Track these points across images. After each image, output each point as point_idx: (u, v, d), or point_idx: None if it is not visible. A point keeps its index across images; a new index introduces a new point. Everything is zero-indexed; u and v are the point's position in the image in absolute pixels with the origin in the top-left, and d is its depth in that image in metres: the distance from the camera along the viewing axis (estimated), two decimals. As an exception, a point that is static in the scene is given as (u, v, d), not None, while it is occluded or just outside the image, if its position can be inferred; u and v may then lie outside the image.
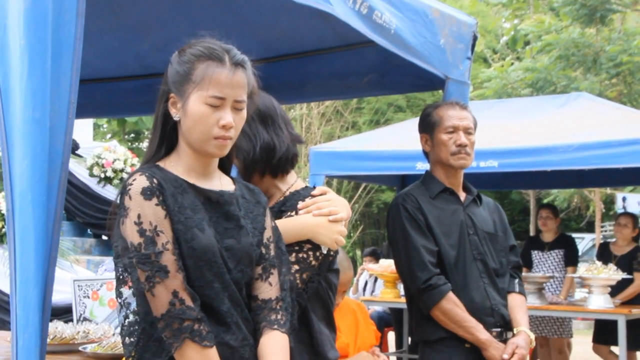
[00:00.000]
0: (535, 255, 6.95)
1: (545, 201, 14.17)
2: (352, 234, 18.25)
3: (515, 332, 2.91)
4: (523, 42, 14.79)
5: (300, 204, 2.11)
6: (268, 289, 1.87)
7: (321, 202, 2.12)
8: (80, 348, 2.98)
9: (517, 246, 3.15)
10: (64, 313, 3.85)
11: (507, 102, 8.63)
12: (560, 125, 6.29)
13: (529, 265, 6.90)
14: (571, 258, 6.85)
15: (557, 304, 6.27)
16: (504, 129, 6.45)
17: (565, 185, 10.09)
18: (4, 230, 4.60)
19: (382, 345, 7.83)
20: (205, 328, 1.70)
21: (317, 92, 3.71)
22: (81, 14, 1.79)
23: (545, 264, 6.89)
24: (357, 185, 17.11)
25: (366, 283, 8.51)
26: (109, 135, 18.70)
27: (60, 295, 3.97)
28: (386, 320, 8.01)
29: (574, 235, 8.28)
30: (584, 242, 15.20)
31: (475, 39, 3.22)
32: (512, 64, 13.84)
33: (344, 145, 7.12)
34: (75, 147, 7.37)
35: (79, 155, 7.45)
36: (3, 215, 4.50)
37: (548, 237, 6.96)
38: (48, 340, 3.04)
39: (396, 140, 6.53)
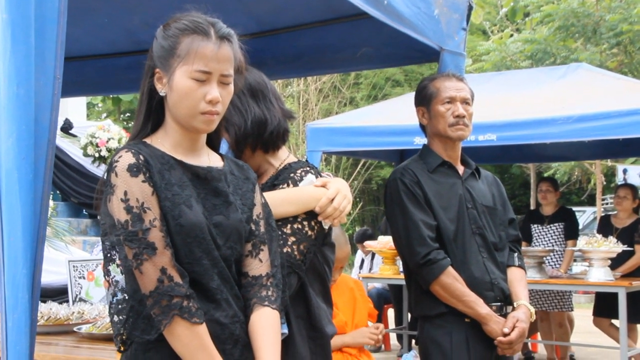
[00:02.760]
0: (535, 229, 6.91)
1: (545, 175, 14.14)
2: (351, 211, 18.24)
3: (515, 306, 2.87)
4: (523, 14, 14.66)
5: (317, 209, 2.04)
6: (258, 266, 1.84)
7: (338, 203, 2.06)
8: (75, 329, 2.95)
9: (516, 220, 3.11)
10: (59, 294, 3.82)
11: (505, 74, 8.57)
12: (559, 97, 6.24)
13: (528, 239, 6.87)
14: (571, 231, 6.81)
15: (557, 278, 6.25)
16: (503, 101, 6.40)
17: (565, 158, 10.07)
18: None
19: (382, 322, 7.85)
20: (195, 305, 1.67)
21: (311, 66, 3.65)
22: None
23: (545, 237, 6.85)
24: (356, 162, 17.09)
25: (363, 261, 8.50)
26: (104, 115, 18.64)
27: (56, 276, 3.94)
28: (385, 297, 8.01)
29: (575, 208, 8.25)
30: (585, 215, 15.19)
31: (470, 9, 3.15)
32: (512, 35, 13.73)
33: (341, 121, 7.08)
34: (68, 126, 7.32)
35: (73, 135, 7.40)
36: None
37: (548, 210, 6.93)
38: (42, 321, 3.03)
39: (394, 115, 6.49)
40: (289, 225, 2.03)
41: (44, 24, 1.70)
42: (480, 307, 2.78)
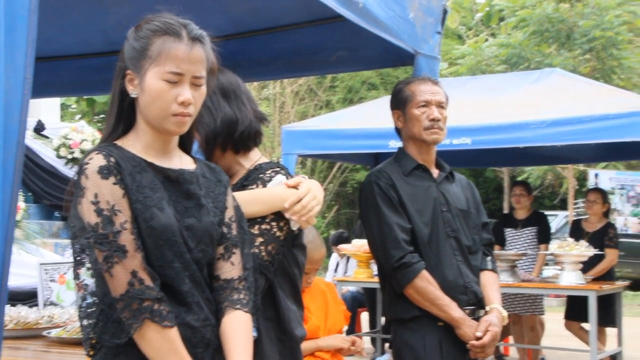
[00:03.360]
0: (508, 232, 6.96)
1: (519, 179, 14.24)
2: (326, 214, 18.26)
3: (488, 309, 2.88)
4: (498, 18, 14.78)
5: (287, 205, 2.03)
6: (230, 269, 1.83)
7: (307, 201, 2.05)
8: (44, 333, 2.92)
9: (489, 223, 3.12)
10: (30, 297, 3.77)
11: (480, 78, 8.62)
12: (533, 101, 6.28)
13: (501, 242, 6.91)
14: (544, 235, 6.87)
15: (529, 281, 6.30)
16: (477, 105, 6.43)
17: (538, 162, 10.14)
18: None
19: (356, 326, 7.84)
20: (166, 308, 1.66)
21: (287, 69, 3.64)
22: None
23: (518, 241, 6.90)
24: (332, 165, 17.10)
25: (337, 264, 8.49)
26: (78, 116, 18.47)
27: (26, 279, 3.89)
28: (359, 301, 8.01)
29: (547, 212, 8.32)
30: (558, 219, 15.32)
31: (445, 12, 3.16)
32: (487, 40, 13.82)
33: (316, 123, 7.07)
34: (41, 127, 7.23)
35: (46, 136, 7.31)
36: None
37: (521, 214, 6.97)
38: (11, 325, 2.99)
39: (369, 118, 6.49)
40: (256, 226, 2.02)
41: (14, 22, 1.67)
42: (453, 310, 2.78)
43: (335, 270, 8.47)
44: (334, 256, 8.61)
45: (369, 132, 6.21)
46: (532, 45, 12.34)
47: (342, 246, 6.95)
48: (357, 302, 7.90)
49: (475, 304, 2.88)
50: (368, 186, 2.90)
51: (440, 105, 2.93)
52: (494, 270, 3.00)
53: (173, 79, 1.70)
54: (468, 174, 21.17)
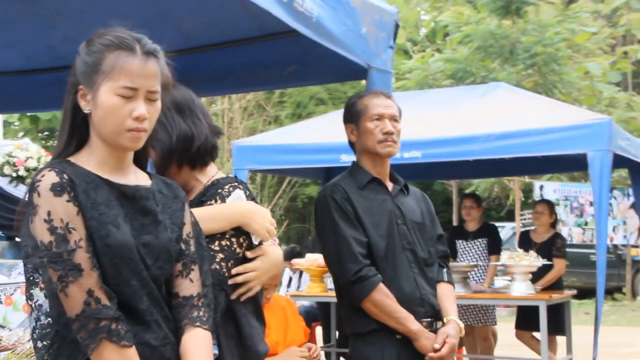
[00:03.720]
0: (460, 244, 7.03)
1: (467, 191, 14.42)
2: (277, 229, 18.19)
3: (445, 321, 2.89)
4: (443, 34, 15.00)
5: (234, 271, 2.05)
6: (189, 286, 1.80)
7: (248, 277, 2.07)
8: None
9: (444, 235, 3.14)
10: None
11: (428, 92, 8.71)
12: (480, 115, 6.37)
13: (453, 254, 6.97)
14: (494, 246, 6.96)
15: (481, 292, 6.36)
16: (426, 119, 6.49)
17: (486, 174, 10.29)
18: None
19: (311, 340, 7.78)
20: (124, 327, 1.62)
21: (239, 84, 3.62)
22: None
23: (470, 253, 6.98)
24: (281, 180, 17.05)
25: (290, 279, 8.45)
26: (21, 134, 18.07)
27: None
28: (314, 315, 7.96)
29: (495, 224, 8.43)
30: (505, 230, 15.54)
31: (397, 27, 3.18)
32: (433, 55, 14.00)
33: (266, 139, 7.05)
34: (-16, 145, 7.04)
35: (-14, 155, 7.12)
36: None
37: (472, 226, 7.06)
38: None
39: (319, 133, 6.49)
40: (216, 242, 2.00)
41: None
42: (411, 323, 2.79)
43: (289, 285, 8.42)
44: (287, 271, 8.56)
45: (320, 147, 6.21)
46: (476, 61, 12.53)
47: (295, 261, 6.91)
48: (311, 316, 7.85)
49: (433, 316, 2.89)
50: (323, 200, 2.90)
51: (394, 119, 2.95)
52: (450, 282, 3.02)
53: (127, 93, 1.67)
54: (417, 187, 21.40)
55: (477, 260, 6.88)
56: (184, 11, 3.09)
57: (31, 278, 1.64)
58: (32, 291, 1.65)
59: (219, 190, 2.07)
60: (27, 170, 6.90)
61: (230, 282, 2.02)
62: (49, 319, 1.64)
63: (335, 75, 3.31)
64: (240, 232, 2.02)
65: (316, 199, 2.98)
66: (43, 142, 17.11)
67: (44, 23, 3.22)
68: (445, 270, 3.02)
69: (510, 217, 16.68)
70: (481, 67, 12.55)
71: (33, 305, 1.66)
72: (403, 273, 2.85)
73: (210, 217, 1.99)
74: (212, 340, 1.81)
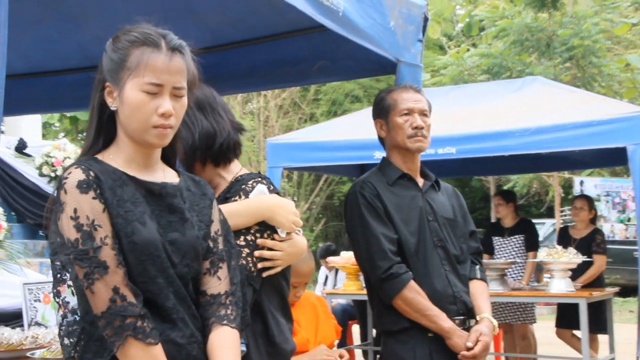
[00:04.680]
0: (496, 241, 6.94)
1: (505, 187, 14.26)
2: (314, 227, 18.21)
3: (478, 319, 2.84)
4: (478, 29, 14.84)
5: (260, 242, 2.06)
6: (217, 284, 1.79)
7: (274, 254, 2.07)
8: (28, 354, 2.85)
9: (477, 232, 3.09)
10: (14, 318, 3.70)
11: (462, 88, 8.62)
12: (516, 109, 6.28)
13: (490, 251, 6.89)
14: (531, 243, 6.85)
15: (519, 290, 6.26)
16: (461, 115, 6.42)
17: (523, 170, 10.15)
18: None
19: (347, 339, 7.77)
20: (149, 325, 1.61)
21: (268, 80, 3.61)
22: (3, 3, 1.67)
23: (506, 249, 6.88)
24: (318, 178, 17.07)
25: (326, 277, 8.43)
26: (61, 135, 18.36)
27: (11, 299, 3.82)
28: (350, 313, 7.95)
29: (534, 220, 8.31)
30: (545, 227, 15.35)
31: (426, 20, 3.14)
32: (468, 50, 13.87)
33: (301, 136, 7.04)
34: (22, 146, 7.17)
35: (28, 155, 7.24)
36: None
37: (508, 222, 6.96)
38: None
39: (353, 130, 6.46)
40: (242, 237, 2.00)
41: None
42: (443, 321, 2.74)
43: (325, 283, 8.41)
44: (323, 269, 8.55)
45: (354, 144, 6.18)
46: (512, 55, 12.39)
47: (330, 259, 6.90)
48: (347, 314, 7.83)
49: (465, 313, 2.84)
50: (352, 197, 2.87)
51: (423, 113, 2.91)
52: (483, 279, 2.96)
53: (152, 90, 1.66)
54: (454, 184, 21.23)
55: (514, 257, 6.78)
56: (211, 8, 3.10)
57: (58, 275, 1.65)
58: (59, 288, 1.66)
59: (243, 186, 2.07)
60: (65, 170, 7.01)
61: (256, 253, 2.01)
62: (76, 316, 1.64)
63: (363, 70, 3.28)
64: (265, 226, 2.02)
65: (346, 195, 2.95)
66: (82, 142, 17.33)
67: (74, 23, 3.25)
68: (478, 267, 2.97)
69: (550, 213, 16.47)
70: (517, 61, 12.39)
71: (60, 302, 1.66)
72: (434, 270, 2.81)
73: (235, 212, 1.98)
74: (239, 338, 1.79)
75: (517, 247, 6.86)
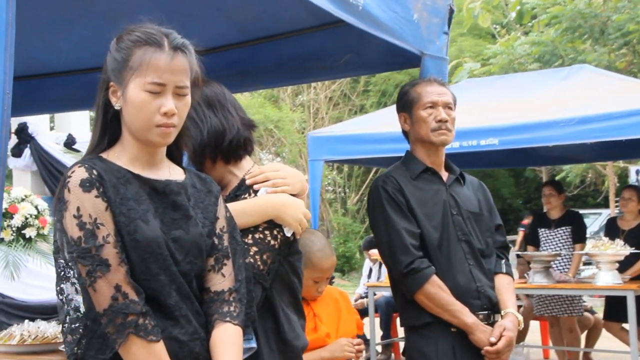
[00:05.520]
0: (542, 233, 6.82)
1: (557, 177, 13.99)
2: (365, 219, 18.19)
3: (502, 314, 2.81)
4: (530, 16, 14.56)
5: (248, 178, 2.07)
6: (221, 281, 1.80)
7: (269, 173, 2.07)
8: (61, 347, 2.92)
9: (503, 225, 3.04)
10: (53, 312, 3.80)
11: (507, 77, 8.47)
12: (561, 99, 6.16)
13: (536, 243, 6.79)
14: (579, 235, 6.71)
15: (564, 282, 6.15)
16: (504, 105, 6.33)
17: (572, 160, 9.93)
18: (-5, 231, 4.58)
19: (391, 331, 7.76)
20: (151, 322, 1.63)
21: (295, 75, 3.61)
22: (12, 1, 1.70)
23: (553, 241, 6.76)
24: (369, 170, 17.03)
25: (370, 270, 8.42)
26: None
27: (49, 293, 3.92)
28: (394, 306, 7.92)
29: (590, 211, 8.14)
30: (601, 217, 14.98)
31: (452, 12, 3.10)
32: (519, 38, 13.62)
33: (342, 129, 7.03)
34: (71, 141, 7.35)
35: (76, 150, 7.42)
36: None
37: (554, 214, 6.83)
38: (29, 340, 3.00)
39: (395, 122, 6.41)
40: (249, 235, 2.00)
41: None
42: (466, 316, 2.72)
43: (369, 276, 8.40)
44: (367, 262, 8.54)
45: (395, 136, 6.06)
46: (565, 42, 12.12)
47: (373, 251, 6.89)
48: (391, 307, 7.82)
49: (490, 308, 2.81)
50: (375, 191, 2.86)
51: (448, 106, 2.88)
52: (508, 273, 2.92)
53: (155, 89, 1.68)
54: (507, 174, 20.93)
55: (560, 249, 6.65)
56: (237, 4, 3.11)
57: (62, 273, 1.68)
58: (62, 286, 1.68)
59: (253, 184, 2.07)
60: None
61: (249, 182, 2.04)
62: (78, 314, 1.67)
63: (389, 63, 3.26)
64: (273, 224, 2.02)
65: (369, 190, 2.94)
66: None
67: (105, 22, 3.31)
68: (503, 261, 2.92)
69: (607, 203, 16.09)
70: (570, 49, 12.12)
71: (64, 300, 1.69)
72: (458, 265, 2.78)
73: (242, 211, 1.99)
74: (242, 335, 1.80)
75: (563, 239, 6.72)
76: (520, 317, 2.81)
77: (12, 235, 4.71)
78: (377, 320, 7.45)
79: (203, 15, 3.24)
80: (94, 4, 3.16)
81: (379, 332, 7.40)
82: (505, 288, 2.86)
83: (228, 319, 1.77)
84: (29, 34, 3.49)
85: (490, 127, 5.86)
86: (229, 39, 3.43)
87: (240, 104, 2.20)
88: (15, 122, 6.71)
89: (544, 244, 6.79)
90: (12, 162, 7.17)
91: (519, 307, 7.31)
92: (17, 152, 7.01)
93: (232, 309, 1.79)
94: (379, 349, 7.71)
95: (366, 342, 6.03)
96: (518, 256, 6.46)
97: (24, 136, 7.01)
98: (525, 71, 11.67)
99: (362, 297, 8.02)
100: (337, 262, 17.83)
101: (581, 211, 8.41)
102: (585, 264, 8.53)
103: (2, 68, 1.69)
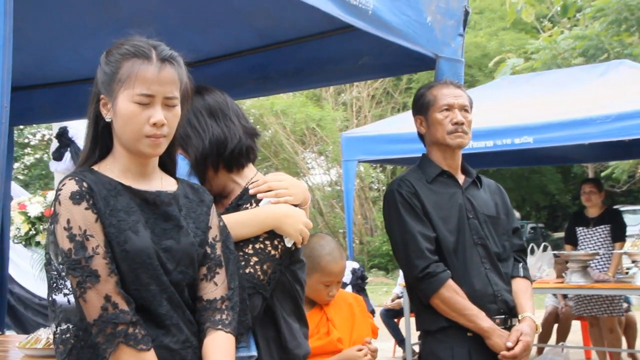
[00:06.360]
0: (580, 231, 6.68)
1: (603, 174, 13.71)
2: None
3: (520, 318, 2.77)
4: (575, 10, 14.28)
5: (251, 187, 2.08)
6: (213, 289, 1.82)
7: (272, 183, 2.08)
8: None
9: (521, 229, 3.00)
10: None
11: (544, 74, 8.34)
12: (599, 95, 6.03)
13: (574, 242, 6.66)
14: (618, 233, 6.54)
15: (603, 282, 6.03)
16: (539, 103, 6.24)
17: (616, 156, 9.72)
18: (31, 233, 4.69)
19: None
20: (141, 331, 1.65)
21: (314, 79, 3.62)
22: (9, 13, 1.73)
23: (591, 240, 6.62)
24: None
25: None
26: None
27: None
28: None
29: (619, 209, 7.94)
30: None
31: (467, 14, 3.07)
32: (563, 32, 13.37)
33: (375, 129, 7.01)
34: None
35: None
36: (30, 218, 4.59)
37: (593, 212, 6.68)
38: (40, 345, 3.03)
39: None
40: (250, 246, 2.01)
41: None
42: (482, 320, 2.69)
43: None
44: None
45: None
46: (610, 36, 11.84)
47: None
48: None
49: (507, 312, 2.77)
50: (390, 195, 2.85)
51: (464, 109, 2.85)
52: (526, 276, 2.88)
53: (144, 100, 1.70)
54: (554, 171, 20.55)
55: (599, 248, 6.51)
56: (255, 9, 3.13)
57: (54, 284, 1.71)
58: (54, 296, 1.71)
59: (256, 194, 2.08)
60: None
61: (263, 187, 2.06)
62: (69, 324, 1.70)
63: (404, 66, 3.24)
64: (274, 234, 2.02)
65: (384, 194, 2.93)
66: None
67: (128, 27, 3.35)
68: (521, 264, 2.88)
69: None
70: (616, 42, 11.85)
71: (55, 310, 1.72)
72: (474, 269, 2.75)
73: (243, 222, 2.00)
74: (233, 343, 1.81)
75: (602, 238, 6.58)
76: (538, 321, 2.77)
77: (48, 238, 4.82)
78: (413, 320, 7.40)
79: (224, 22, 3.27)
80: (118, 11, 3.22)
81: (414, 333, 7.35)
82: (523, 292, 2.82)
83: (220, 326, 1.78)
84: (56, 41, 3.58)
85: (524, 125, 5.78)
86: (250, 44, 3.47)
87: (244, 112, 2.21)
88: (56, 127, 6.86)
89: (582, 242, 6.66)
90: (54, 166, 7.32)
91: (556, 307, 7.20)
92: (58, 156, 7.15)
93: (224, 317, 1.80)
94: (417, 348, 7.66)
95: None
96: (555, 255, 6.34)
97: (64, 140, 7.14)
98: (569, 66, 11.45)
99: (398, 297, 7.99)
100: (382, 261, 17.80)
101: (631, 208, 8.23)
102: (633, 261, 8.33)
103: (0, 82, 1.72)
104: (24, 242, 4.72)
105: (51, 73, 4.08)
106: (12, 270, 4.70)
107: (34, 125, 17.17)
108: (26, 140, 20.83)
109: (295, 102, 16.70)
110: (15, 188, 5.79)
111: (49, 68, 3.88)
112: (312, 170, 19.63)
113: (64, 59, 3.82)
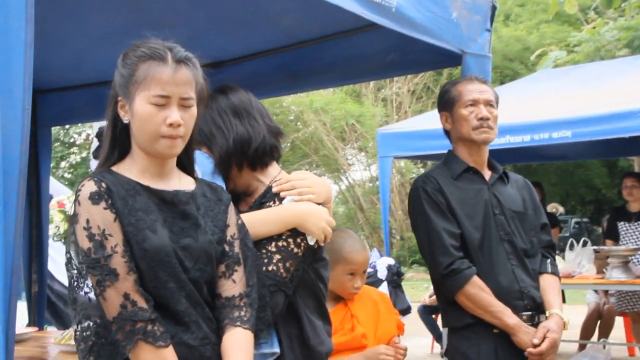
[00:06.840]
0: (622, 226, 6.57)
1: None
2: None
3: (547, 315, 2.74)
4: (620, 0, 13.98)
5: (275, 186, 2.09)
6: (231, 286, 1.85)
7: (296, 181, 2.10)
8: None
9: (548, 224, 2.97)
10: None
11: (583, 67, 8.21)
12: (638, 88, 5.91)
13: (615, 237, 6.55)
14: (661, 228, 6.43)
15: (645, 278, 5.92)
16: (578, 96, 6.15)
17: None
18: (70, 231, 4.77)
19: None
20: (160, 328, 1.69)
21: (342, 76, 3.63)
22: (30, 19, 1.78)
23: (633, 235, 6.50)
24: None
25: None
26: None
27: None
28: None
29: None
30: None
31: (494, 9, 3.04)
32: (607, 23, 13.10)
33: (411, 125, 6.99)
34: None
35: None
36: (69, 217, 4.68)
37: (635, 207, 6.57)
38: (71, 341, 3.07)
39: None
40: (273, 243, 2.03)
41: (10, 57, 1.72)
42: (508, 317, 2.67)
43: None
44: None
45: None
46: (658, 26, 11.57)
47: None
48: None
49: (534, 309, 2.75)
50: (415, 192, 2.85)
51: (489, 104, 2.83)
52: (554, 273, 2.85)
53: (160, 101, 1.74)
54: (600, 164, 20.18)
55: (641, 244, 6.39)
56: (281, 9, 3.15)
57: (74, 283, 1.76)
58: (75, 295, 1.76)
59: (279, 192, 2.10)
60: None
61: (286, 186, 2.07)
62: (89, 322, 1.74)
63: (431, 62, 3.22)
64: (297, 232, 2.04)
65: (409, 190, 2.93)
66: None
67: (157, 30, 3.41)
68: (549, 260, 2.85)
69: None
70: (662, 33, 11.59)
71: (76, 309, 1.77)
72: (500, 265, 2.74)
73: (266, 220, 2.02)
74: (252, 339, 1.84)
75: (645, 233, 6.46)
76: (566, 318, 2.74)
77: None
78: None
79: (251, 22, 3.30)
80: (149, 14, 3.27)
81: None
82: (551, 288, 2.80)
83: (238, 323, 1.81)
84: (91, 44, 3.65)
85: (562, 119, 5.71)
86: (277, 43, 3.49)
87: (268, 112, 2.23)
88: (96, 126, 6.98)
89: (623, 237, 6.54)
90: (94, 164, 7.48)
91: (599, 303, 7.08)
92: (97, 155, 7.30)
93: (242, 313, 1.83)
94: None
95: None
96: (595, 251, 6.24)
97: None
98: (613, 58, 11.22)
99: (436, 293, 7.95)
100: (422, 257, 17.71)
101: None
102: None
103: (22, 86, 1.76)
104: (63, 240, 4.83)
105: (87, 75, 4.17)
106: (52, 268, 4.80)
107: (79, 125, 17.46)
108: (72, 140, 21.22)
109: (335, 98, 16.71)
110: (57, 186, 5.90)
111: (85, 70, 3.97)
112: (352, 166, 19.63)
113: (98, 61, 3.89)
